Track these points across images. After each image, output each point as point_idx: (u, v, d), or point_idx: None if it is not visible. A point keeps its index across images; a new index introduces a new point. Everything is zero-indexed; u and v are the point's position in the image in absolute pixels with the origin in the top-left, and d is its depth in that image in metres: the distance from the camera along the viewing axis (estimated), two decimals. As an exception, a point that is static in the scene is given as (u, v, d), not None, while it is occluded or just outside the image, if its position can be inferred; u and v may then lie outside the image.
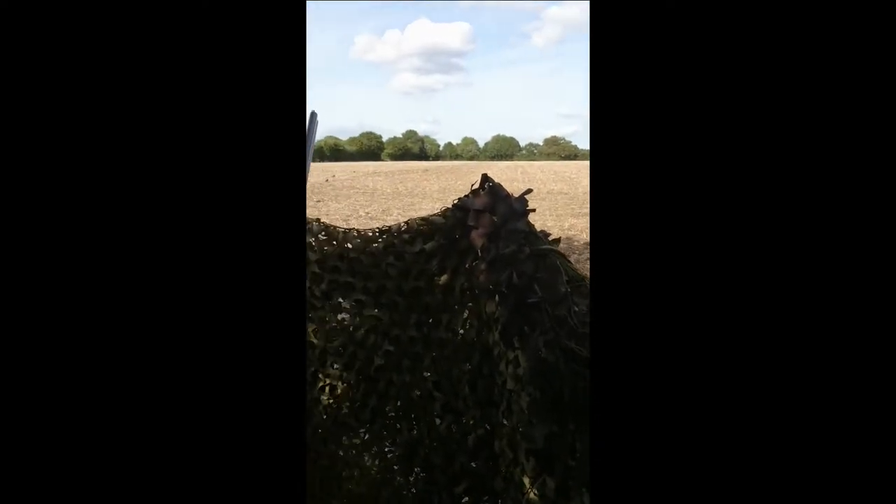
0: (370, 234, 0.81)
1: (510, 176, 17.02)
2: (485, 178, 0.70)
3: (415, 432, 0.88)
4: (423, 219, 0.75)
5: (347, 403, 0.92)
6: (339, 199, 10.15)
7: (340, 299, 0.88)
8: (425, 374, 0.85)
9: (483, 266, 0.65)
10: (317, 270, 0.86)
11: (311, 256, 0.86)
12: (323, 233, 0.85)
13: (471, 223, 0.67)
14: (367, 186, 13.14)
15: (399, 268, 0.79)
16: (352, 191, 11.97)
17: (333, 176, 16.63)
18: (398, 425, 0.90)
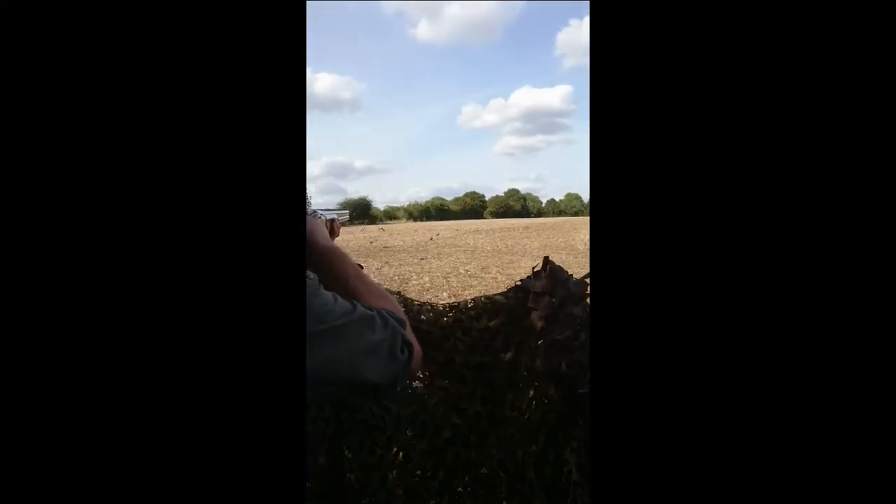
0: (441, 308, 0.87)
1: (616, 232, 16.09)
2: (546, 260, 0.73)
3: (481, 513, 0.86)
4: (487, 297, 0.78)
5: (419, 472, 0.94)
6: (442, 256, 10.60)
7: (415, 368, 0.94)
8: (492, 451, 0.85)
9: (542, 349, 0.66)
10: None
11: None
12: (402, 304, 0.94)
13: (531, 305, 0.69)
14: (468, 244, 13.55)
15: (466, 342, 0.82)
16: (453, 248, 12.44)
17: (437, 234, 17.55)
18: (465, 502, 0.89)
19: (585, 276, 0.67)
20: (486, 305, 0.78)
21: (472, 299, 0.81)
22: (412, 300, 0.94)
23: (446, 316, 0.86)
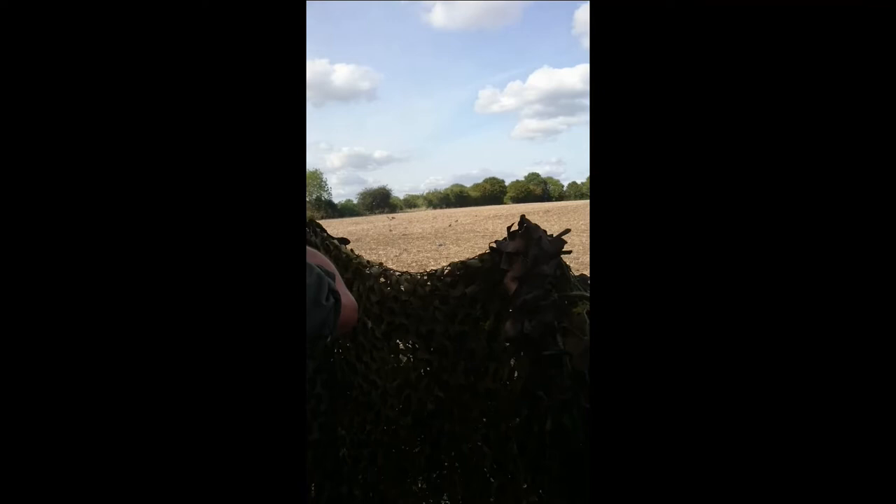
0: (418, 277, 0.83)
1: (640, 213, 15.62)
2: (522, 219, 0.67)
3: (468, 490, 0.83)
4: (462, 262, 0.74)
5: (406, 447, 0.92)
6: (460, 242, 10.56)
7: (398, 341, 0.90)
8: (477, 425, 0.81)
9: (513, 312, 0.61)
10: (377, 311, 0.91)
11: (373, 298, 0.91)
12: (382, 276, 0.90)
13: (504, 266, 0.64)
14: (487, 229, 13.44)
15: (444, 311, 0.78)
16: (472, 234, 12.37)
17: (456, 221, 17.47)
18: (453, 478, 0.86)
19: (563, 233, 0.62)
20: (462, 271, 0.74)
21: (449, 265, 0.77)
22: (393, 270, 0.91)
23: (424, 285, 0.82)
